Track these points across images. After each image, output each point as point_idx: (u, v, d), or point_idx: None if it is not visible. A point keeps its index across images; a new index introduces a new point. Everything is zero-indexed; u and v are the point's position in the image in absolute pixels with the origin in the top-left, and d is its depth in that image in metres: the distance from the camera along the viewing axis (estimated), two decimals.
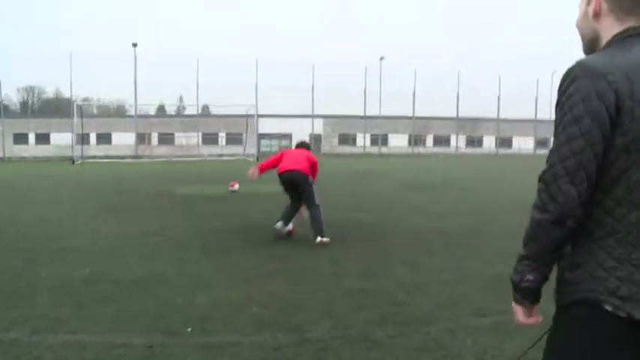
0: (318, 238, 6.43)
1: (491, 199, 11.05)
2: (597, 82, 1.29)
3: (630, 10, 1.39)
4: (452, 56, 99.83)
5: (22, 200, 11.02)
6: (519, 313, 1.46)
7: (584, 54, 1.48)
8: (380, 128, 47.10)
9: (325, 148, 52.32)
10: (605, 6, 1.42)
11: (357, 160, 33.20)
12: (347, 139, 52.95)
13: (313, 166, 7.20)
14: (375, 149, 47.50)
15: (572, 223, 1.33)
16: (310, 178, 6.92)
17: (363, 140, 47.42)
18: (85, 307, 4.01)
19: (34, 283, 4.70)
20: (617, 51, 1.36)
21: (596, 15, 1.43)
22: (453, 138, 52.06)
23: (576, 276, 1.37)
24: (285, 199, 7.13)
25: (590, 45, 1.47)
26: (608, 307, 1.31)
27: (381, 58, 45.14)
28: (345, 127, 54.94)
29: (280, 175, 7.04)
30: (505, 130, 52.19)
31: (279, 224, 6.81)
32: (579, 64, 1.34)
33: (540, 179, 1.37)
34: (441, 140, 53.88)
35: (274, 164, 7.19)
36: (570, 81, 1.33)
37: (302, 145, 7.70)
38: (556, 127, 1.36)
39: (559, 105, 1.36)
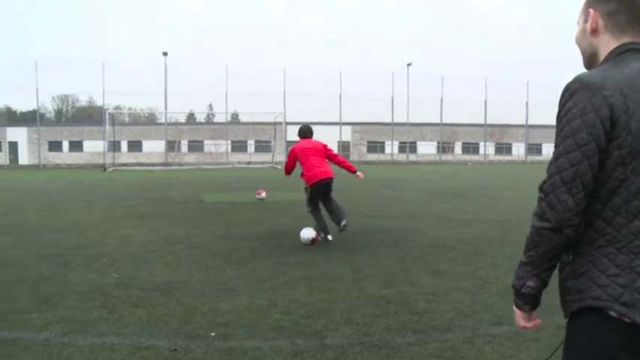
0: (344, 222, 6.97)
1: (518, 207, 10.94)
2: (593, 97, 1.35)
3: (624, 27, 1.44)
4: (479, 62, 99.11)
5: (55, 206, 11.34)
6: (520, 317, 1.53)
7: (584, 68, 1.54)
8: (408, 135, 46.88)
9: (354, 155, 52.38)
10: (601, 23, 1.47)
11: (386, 168, 33.13)
12: (375, 147, 52.90)
13: (330, 158, 7.58)
14: (403, 156, 47.31)
15: (569, 231, 1.39)
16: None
17: (391, 147, 47.22)
18: (113, 311, 4.15)
19: (65, 286, 4.89)
20: (613, 66, 1.41)
21: (594, 32, 1.49)
22: (481, 145, 51.45)
23: (580, 284, 1.42)
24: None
25: (590, 60, 1.53)
26: (613, 314, 1.35)
27: (409, 65, 44.95)
28: (373, 135, 54.90)
29: (317, 184, 7.26)
30: (535, 136, 51.39)
31: (329, 237, 7.17)
32: (577, 79, 1.40)
33: (540, 189, 1.44)
34: (470, 147, 53.33)
35: (290, 170, 7.59)
36: (569, 95, 1.39)
37: (309, 133, 7.66)
38: (555, 139, 1.43)
39: (559, 118, 1.43)
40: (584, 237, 1.42)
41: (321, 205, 7.45)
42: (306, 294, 4.63)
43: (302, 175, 7.37)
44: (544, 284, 1.47)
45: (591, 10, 1.49)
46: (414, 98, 45.31)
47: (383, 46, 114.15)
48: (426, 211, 10.53)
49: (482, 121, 48.12)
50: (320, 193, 7.32)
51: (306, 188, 7.51)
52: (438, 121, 47.27)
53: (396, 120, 46.03)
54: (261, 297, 4.54)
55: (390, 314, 4.05)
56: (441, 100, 45.79)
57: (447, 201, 12.33)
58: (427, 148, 51.83)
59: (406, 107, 45.42)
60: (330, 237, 7.19)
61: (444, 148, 50.21)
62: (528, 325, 1.53)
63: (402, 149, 49.21)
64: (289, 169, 7.63)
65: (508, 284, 4.72)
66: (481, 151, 51.53)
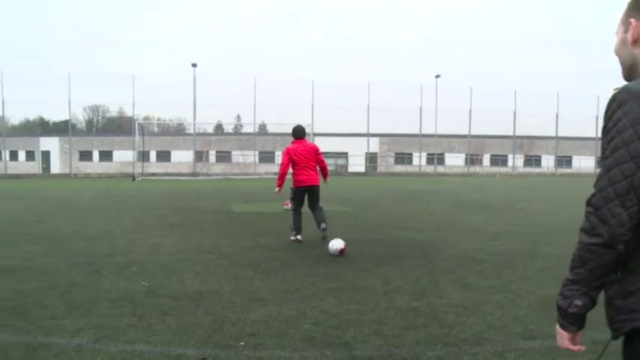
0: (323, 225, 7.78)
1: (547, 220, 10.75)
2: None
3: None
4: (509, 73, 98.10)
5: (86, 215, 11.56)
6: (564, 338, 1.45)
7: (624, 80, 1.50)
8: (436, 147, 46.50)
9: (381, 167, 52.26)
10: None
11: (413, 179, 32.95)
12: (403, 158, 52.67)
13: (319, 162, 8.18)
14: (431, 168, 46.91)
15: (622, 247, 1.33)
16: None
17: (419, 159, 46.89)
18: (143, 319, 4.20)
19: (96, 293, 4.96)
20: None
21: (635, 42, 1.45)
22: (510, 157, 50.75)
23: (632, 303, 1.35)
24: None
25: (630, 71, 1.48)
26: None
27: (437, 76, 44.75)
28: (401, 146, 54.68)
29: (302, 188, 8.01)
30: (564, 148, 50.48)
31: (299, 237, 7.92)
32: (625, 89, 1.36)
33: (588, 203, 1.38)
34: (498, 159, 52.59)
35: (286, 171, 8.09)
36: (617, 105, 1.35)
37: (302, 134, 8.26)
38: (603, 151, 1.37)
39: (605, 130, 1.38)
40: (635, 252, 1.35)
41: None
42: (335, 305, 4.62)
43: (292, 175, 8.09)
44: (593, 303, 1.40)
45: (632, 20, 1.45)
46: (442, 110, 45.00)
47: (411, 59, 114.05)
48: (454, 223, 10.42)
49: (511, 133, 47.50)
50: (302, 196, 8.11)
51: (291, 188, 8.26)
52: (466, 132, 46.77)
53: (424, 131, 45.74)
54: (290, 307, 4.54)
55: (419, 327, 4.00)
56: (470, 111, 45.34)
57: (475, 213, 12.20)
58: (455, 160, 51.36)
59: (434, 119, 45.09)
60: (300, 237, 7.94)
61: (472, 159, 49.68)
62: (574, 348, 1.45)
63: (429, 161, 48.82)
64: (284, 171, 8.15)
65: (540, 297, 4.69)
66: (510, 163, 50.83)
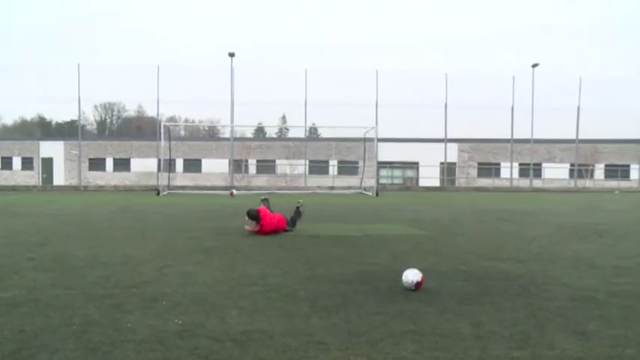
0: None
1: None
2: None
3: None
4: (630, 60, 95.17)
5: (101, 237, 11.89)
6: None
7: None
8: (532, 155, 45.55)
9: (461, 180, 51.73)
10: None
11: (502, 196, 32.38)
12: (489, 169, 51.98)
13: None
14: (525, 182, 46.02)
15: None
16: None
17: (509, 171, 46.01)
18: None
19: (118, 333, 5.08)
20: None
21: None
22: (632, 168, 49.06)
23: None
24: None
25: None
26: None
27: (534, 65, 43.87)
28: (486, 154, 54.00)
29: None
30: None
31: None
32: None
33: None
34: (617, 171, 50.82)
35: None
36: None
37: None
38: None
39: None
40: None
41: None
42: (413, 352, 4.59)
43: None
44: None
45: None
46: (540, 108, 44.00)
47: (498, 44, 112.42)
48: (559, 252, 10.17)
49: (635, 136, 45.96)
50: None
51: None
52: (572, 136, 45.53)
53: (516, 136, 44.88)
54: (358, 353, 4.54)
55: None
56: (577, 109, 44.10)
57: (586, 240, 11.87)
58: (557, 172, 50.16)
59: (529, 119, 44.10)
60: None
61: (581, 171, 48.33)
62: None
63: (523, 173, 47.96)
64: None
65: None
66: (633, 175, 49.19)
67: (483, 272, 8.10)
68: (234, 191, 32.34)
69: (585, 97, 44.22)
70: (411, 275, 6.89)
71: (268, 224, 12.21)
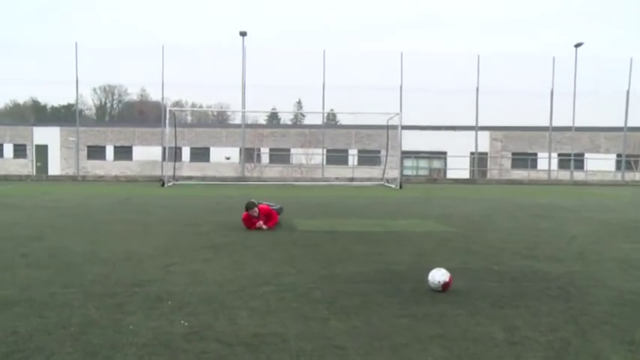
0: None
1: None
2: None
3: None
4: None
5: (101, 231, 11.99)
6: None
7: None
8: (573, 144, 45.12)
9: (493, 172, 51.50)
10: None
11: (539, 189, 32.19)
12: (524, 160, 51.60)
13: None
14: (565, 174, 45.65)
15: None
16: None
17: (548, 161, 45.64)
18: None
19: (119, 335, 5.11)
20: None
21: None
22: None
23: None
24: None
25: None
26: None
27: (577, 45, 43.38)
28: (521, 143, 53.73)
29: None
30: None
31: None
32: None
33: None
34: None
35: None
36: None
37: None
38: None
39: None
40: None
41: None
42: (441, 358, 4.58)
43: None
44: None
45: None
46: (583, 92, 43.48)
47: (536, 22, 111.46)
48: (603, 252, 10.09)
49: None
50: None
51: None
52: (619, 124, 44.95)
53: (555, 123, 44.45)
54: (380, 359, 4.54)
55: None
56: (627, 93, 43.47)
57: (634, 239, 11.78)
58: (602, 164, 49.62)
59: (571, 104, 43.63)
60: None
61: (629, 163, 47.83)
62: None
63: (563, 164, 47.57)
64: None
65: None
66: None
67: (518, 272, 8.06)
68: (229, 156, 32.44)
69: (636, 80, 43.65)
70: (438, 275, 6.87)
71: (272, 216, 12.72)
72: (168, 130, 34.31)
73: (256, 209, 12.29)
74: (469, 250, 9.99)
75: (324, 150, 45.22)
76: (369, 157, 50.66)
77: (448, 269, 7.02)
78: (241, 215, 12.50)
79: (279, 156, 53.23)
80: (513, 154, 54.04)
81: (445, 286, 6.80)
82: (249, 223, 12.31)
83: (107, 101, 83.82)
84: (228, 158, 30.99)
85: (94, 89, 77.41)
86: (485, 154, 52.03)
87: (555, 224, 14.31)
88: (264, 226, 12.27)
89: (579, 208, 19.14)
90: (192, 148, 55.91)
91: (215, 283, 7.22)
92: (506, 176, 48.92)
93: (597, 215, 16.72)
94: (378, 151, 49.24)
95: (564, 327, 5.50)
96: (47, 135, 56.29)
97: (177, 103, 52.32)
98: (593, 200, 23.76)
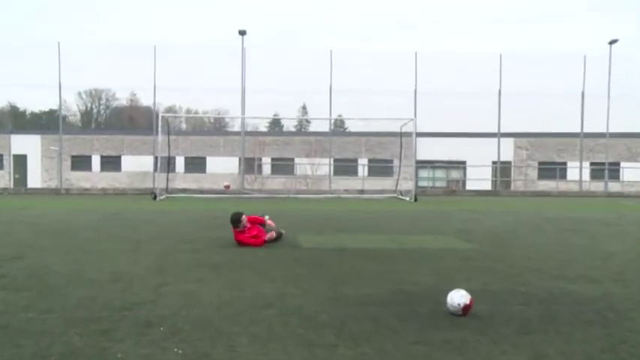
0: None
1: None
2: None
3: None
4: None
5: (87, 249, 11.94)
6: None
7: None
8: (607, 152, 44.90)
9: (517, 183, 51.39)
10: None
11: (570, 202, 32.10)
12: (552, 170, 51.50)
13: None
14: (598, 185, 45.47)
15: None
16: None
17: (579, 171, 45.49)
18: None
19: None
20: None
21: None
22: None
23: None
24: None
25: None
26: None
27: (612, 42, 43.24)
28: (548, 151, 53.68)
29: None
30: None
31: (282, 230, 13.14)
32: None
33: None
34: None
35: None
36: None
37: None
38: None
39: None
40: None
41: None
42: None
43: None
44: None
45: None
46: (618, 94, 43.24)
47: (567, 17, 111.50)
48: None
49: None
50: None
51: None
52: None
53: (587, 129, 44.27)
54: None
55: None
56: None
57: None
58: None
59: (605, 108, 43.42)
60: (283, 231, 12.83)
61: None
62: None
63: (596, 174, 47.37)
64: None
65: None
66: None
67: (547, 294, 7.98)
68: (229, 184, 32.53)
69: None
70: (458, 297, 6.82)
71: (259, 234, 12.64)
72: (160, 138, 34.23)
73: (243, 220, 12.30)
74: (492, 269, 9.93)
75: (332, 160, 45.21)
76: (380, 168, 50.64)
77: (469, 290, 6.96)
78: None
79: (282, 166, 53.27)
80: (540, 163, 53.93)
81: (466, 310, 6.74)
82: (243, 238, 12.33)
83: (93, 106, 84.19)
84: (227, 187, 31.21)
85: (79, 93, 77.81)
86: (509, 163, 51.98)
87: (589, 240, 14.24)
88: (273, 234, 12.60)
89: (615, 222, 19.06)
90: (186, 158, 56.05)
91: (211, 306, 7.17)
92: (533, 187, 48.82)
93: (636, 230, 16.64)
94: (391, 161, 49.30)
95: (600, 356, 5.43)
96: (26, 144, 56.34)
97: (171, 109, 52.40)
98: (630, 213, 23.67)
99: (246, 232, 12.30)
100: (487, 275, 9.35)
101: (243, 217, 12.35)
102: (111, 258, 10.82)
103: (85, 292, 7.88)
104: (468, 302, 6.77)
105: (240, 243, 12.23)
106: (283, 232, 13.17)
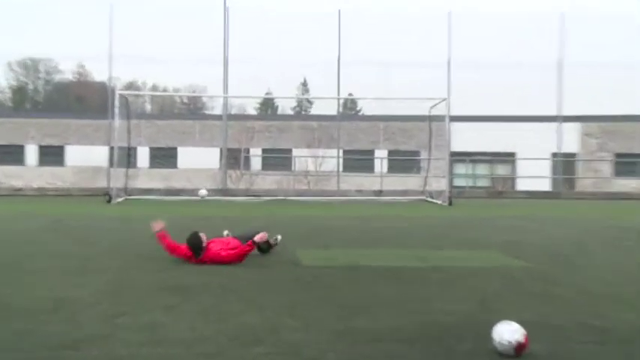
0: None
1: None
2: None
3: None
4: None
5: (22, 267, 11.99)
6: None
7: None
8: None
9: (586, 182, 51.13)
10: None
11: None
12: (633, 164, 51.23)
13: None
14: None
15: None
16: None
17: None
18: None
19: None
20: None
21: None
22: None
23: None
24: None
25: None
26: None
27: None
28: (626, 140, 53.46)
29: None
30: None
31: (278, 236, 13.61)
32: None
33: None
34: None
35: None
36: None
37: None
38: None
39: None
40: None
41: None
42: None
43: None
44: None
45: None
46: None
47: None
48: None
49: None
50: None
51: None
52: None
53: None
54: None
55: None
56: None
57: None
58: None
59: None
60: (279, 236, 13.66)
61: None
62: None
63: None
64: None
65: None
66: None
67: (628, 329, 7.89)
68: (205, 191, 32.81)
69: None
70: (508, 332, 6.73)
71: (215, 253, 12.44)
72: (118, 122, 34.28)
73: (204, 241, 12.43)
74: (551, 295, 9.88)
75: (340, 151, 45.21)
76: (403, 162, 50.46)
77: (522, 323, 6.87)
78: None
79: (277, 160, 53.16)
80: (616, 155, 53.66)
81: (519, 349, 6.64)
82: (215, 253, 12.34)
83: (28, 82, 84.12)
84: (204, 195, 31.34)
85: (9, 64, 77.47)
86: (574, 155, 51.83)
87: None
88: (264, 236, 12.65)
89: None
90: (152, 149, 55.89)
91: (182, 343, 7.10)
92: (606, 187, 48.64)
93: None
94: (417, 153, 49.04)
95: None
96: None
97: (132, 85, 52.56)
98: None
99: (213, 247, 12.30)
100: (545, 303, 9.28)
101: (201, 234, 12.48)
102: (51, 280, 10.81)
103: (16, 326, 7.78)
104: (522, 340, 6.66)
105: (215, 261, 12.19)
106: (279, 237, 13.44)
